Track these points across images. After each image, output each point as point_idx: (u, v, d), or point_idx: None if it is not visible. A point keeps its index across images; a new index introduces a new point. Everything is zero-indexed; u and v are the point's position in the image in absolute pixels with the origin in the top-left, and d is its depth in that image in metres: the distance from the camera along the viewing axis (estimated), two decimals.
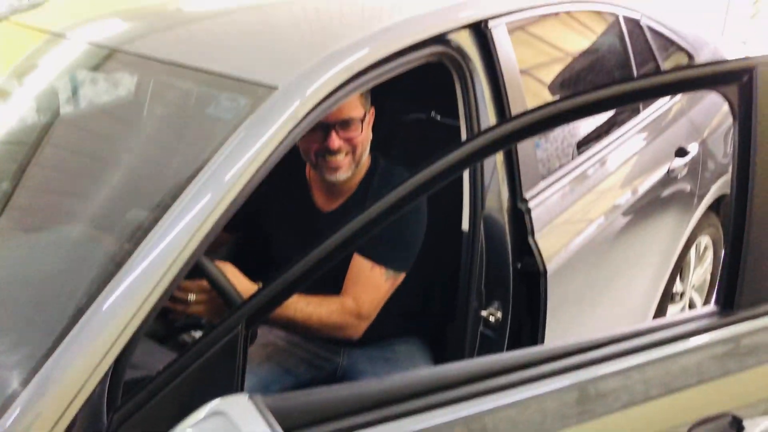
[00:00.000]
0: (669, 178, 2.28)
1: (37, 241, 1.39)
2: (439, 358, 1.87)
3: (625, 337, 1.26)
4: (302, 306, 1.58)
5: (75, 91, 1.75)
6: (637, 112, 2.29)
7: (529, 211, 1.71)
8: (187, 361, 1.01)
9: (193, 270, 1.14)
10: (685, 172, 2.35)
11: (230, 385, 1.02)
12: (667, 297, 2.57)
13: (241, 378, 1.02)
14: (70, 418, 0.96)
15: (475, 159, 1.22)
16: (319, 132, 1.63)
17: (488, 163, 1.68)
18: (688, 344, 1.26)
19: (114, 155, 1.45)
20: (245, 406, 0.91)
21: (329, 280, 1.63)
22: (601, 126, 2.17)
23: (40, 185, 1.54)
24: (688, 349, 1.26)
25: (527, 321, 1.73)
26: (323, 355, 1.87)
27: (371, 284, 1.67)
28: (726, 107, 1.24)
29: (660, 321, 1.35)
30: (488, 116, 1.67)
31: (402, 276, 1.71)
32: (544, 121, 1.18)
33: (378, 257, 1.67)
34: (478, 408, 1.09)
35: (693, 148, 2.38)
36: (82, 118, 1.84)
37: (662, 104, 2.41)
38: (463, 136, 1.70)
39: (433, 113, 2.22)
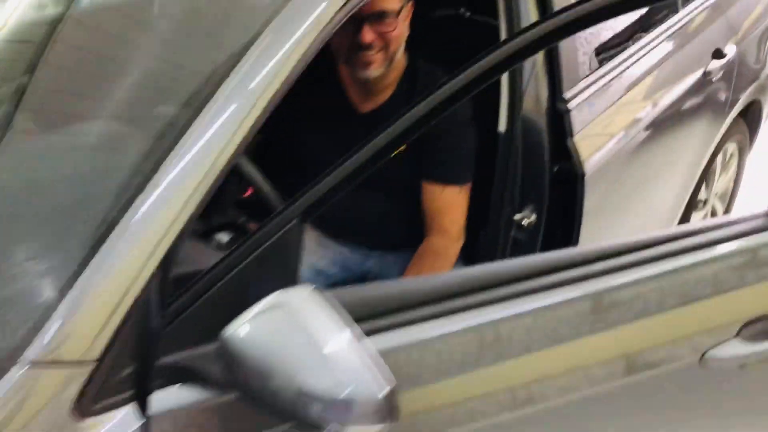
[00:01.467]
0: (705, 80, 2.21)
1: (67, 141, 1.34)
2: (470, 263, 1.86)
3: (660, 241, 1.22)
4: None
5: None
6: (675, 10, 2.19)
7: (568, 112, 1.65)
8: (239, 256, 0.98)
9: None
10: (720, 75, 2.27)
11: (284, 281, 0.99)
12: (692, 204, 2.54)
13: (295, 272, 1.00)
14: (121, 315, 0.93)
15: (517, 59, 1.16)
16: (351, 26, 1.55)
17: (527, 61, 1.61)
18: (705, 254, 1.21)
19: (142, 45, 1.38)
20: (309, 298, 0.89)
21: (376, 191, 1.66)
22: (640, 24, 2.08)
23: (59, 84, 1.47)
24: (707, 259, 1.21)
25: (561, 225, 1.71)
26: (355, 258, 1.86)
27: (449, 205, 1.72)
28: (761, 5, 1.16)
29: (707, 222, 1.32)
30: (528, 12, 1.59)
31: (468, 186, 1.74)
32: (588, 17, 1.11)
33: (444, 178, 1.72)
34: (491, 316, 1.07)
35: (730, 50, 2.30)
36: (97, 12, 1.75)
37: (701, 2, 2.30)
38: (502, 34, 1.62)
39: (462, 10, 2.12)
